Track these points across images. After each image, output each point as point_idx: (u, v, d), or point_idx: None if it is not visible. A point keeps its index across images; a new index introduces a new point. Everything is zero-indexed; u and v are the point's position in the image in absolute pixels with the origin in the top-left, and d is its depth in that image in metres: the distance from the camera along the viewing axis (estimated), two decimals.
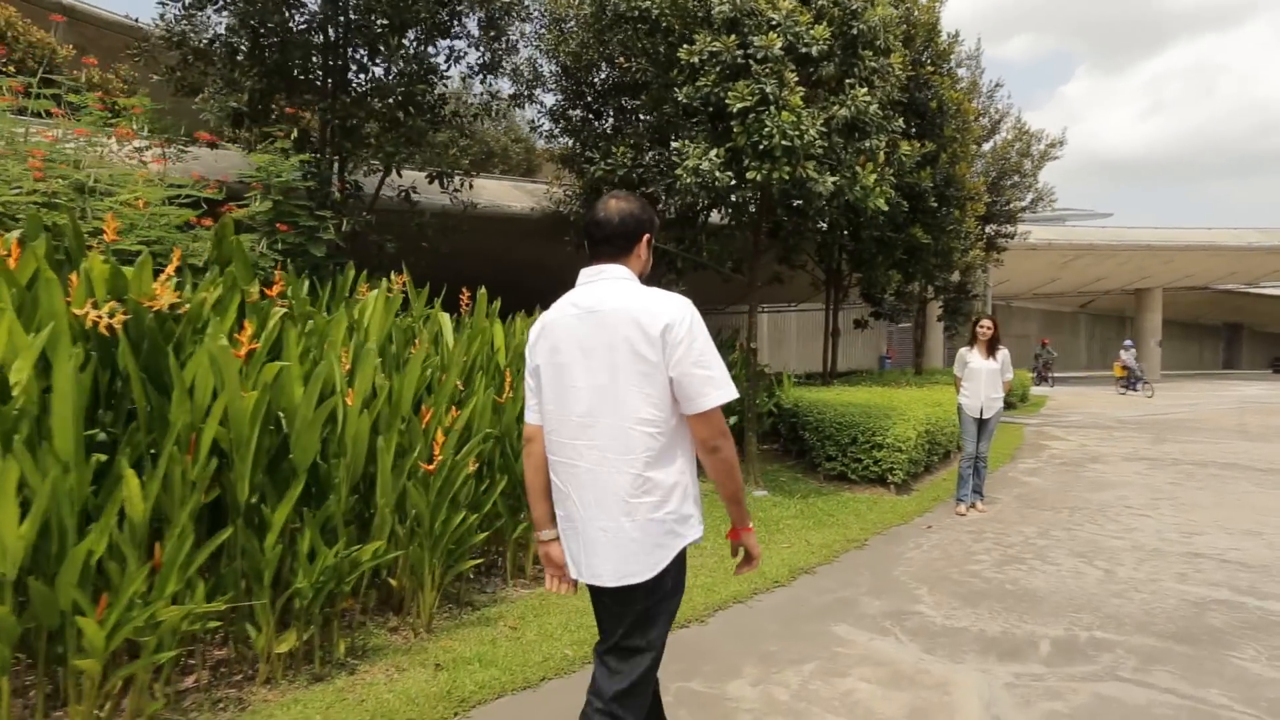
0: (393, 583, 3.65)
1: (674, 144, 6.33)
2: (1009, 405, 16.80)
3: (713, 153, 5.90)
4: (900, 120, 6.97)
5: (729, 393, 1.86)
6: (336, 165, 7.19)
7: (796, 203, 7.01)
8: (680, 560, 1.93)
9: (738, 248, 8.60)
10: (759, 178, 5.86)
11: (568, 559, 2.00)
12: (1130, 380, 20.88)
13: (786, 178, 5.85)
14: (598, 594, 1.97)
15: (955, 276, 16.31)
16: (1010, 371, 6.50)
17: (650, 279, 2.10)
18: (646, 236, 2.03)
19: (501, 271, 13.24)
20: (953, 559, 5.05)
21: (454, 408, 3.89)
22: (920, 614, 4.01)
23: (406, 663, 3.28)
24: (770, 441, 9.58)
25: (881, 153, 6.51)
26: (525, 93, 9.20)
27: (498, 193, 11.46)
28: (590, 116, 9.45)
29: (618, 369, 1.85)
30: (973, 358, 6.51)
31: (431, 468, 3.48)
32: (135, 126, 5.23)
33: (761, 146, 5.81)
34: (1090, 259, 24.45)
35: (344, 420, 3.36)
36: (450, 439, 3.73)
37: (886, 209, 6.54)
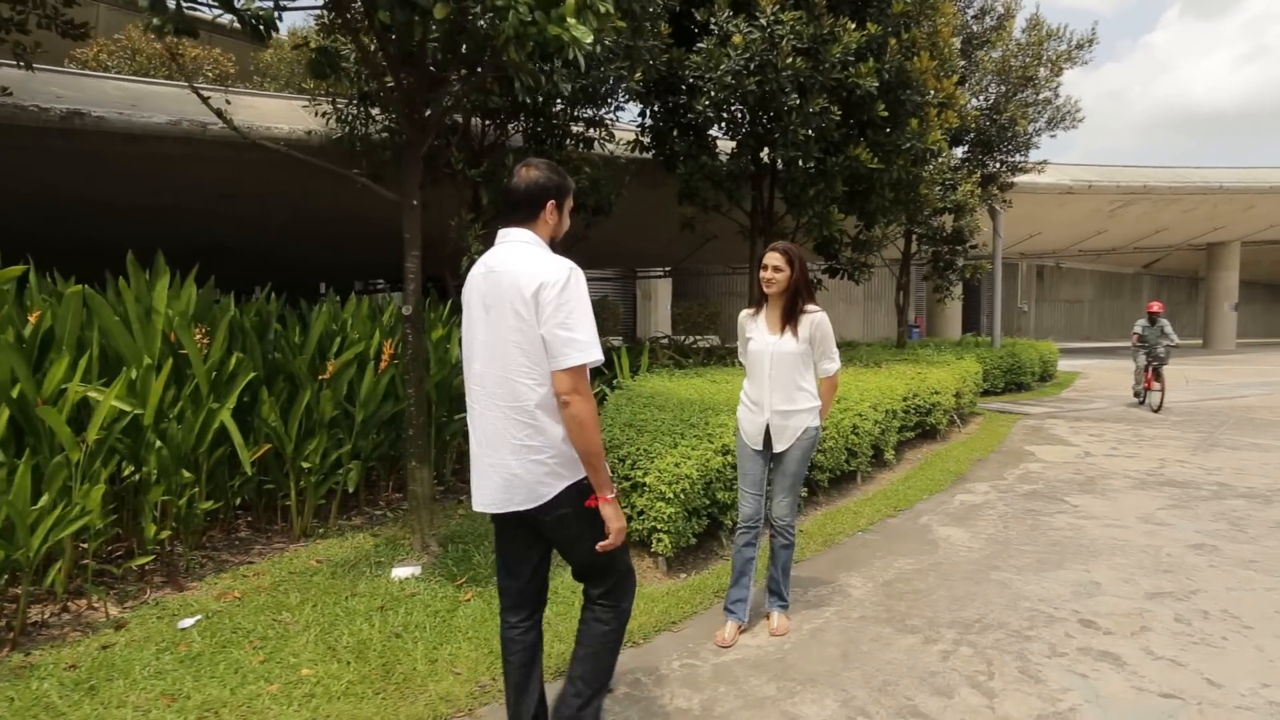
0: None
1: None
2: (1018, 385, 13.08)
3: None
4: None
5: (589, 355, 1.98)
6: None
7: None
8: (579, 492, 2.07)
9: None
10: None
11: (473, 488, 2.19)
12: None
13: None
14: (533, 528, 2.15)
15: (946, 222, 12.63)
16: (833, 360, 3.23)
17: None
18: (551, 202, 2.16)
19: (308, 226, 10.28)
20: None
21: None
22: None
23: None
24: None
25: None
26: None
27: (271, 113, 8.48)
28: None
29: (505, 325, 2.04)
30: (755, 329, 3.28)
31: None
32: None
33: None
34: (1145, 205, 20.12)
35: None
36: None
37: (589, 44, 3.28)
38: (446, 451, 5.74)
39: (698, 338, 17.95)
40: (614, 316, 24.11)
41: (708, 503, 4.14)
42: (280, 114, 8.47)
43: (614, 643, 2.22)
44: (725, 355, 10.71)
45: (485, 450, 2.12)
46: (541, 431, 2.02)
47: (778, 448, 3.17)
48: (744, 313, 3.34)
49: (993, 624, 3.33)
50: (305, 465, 4.45)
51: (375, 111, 7.25)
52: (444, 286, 7.97)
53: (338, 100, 7.47)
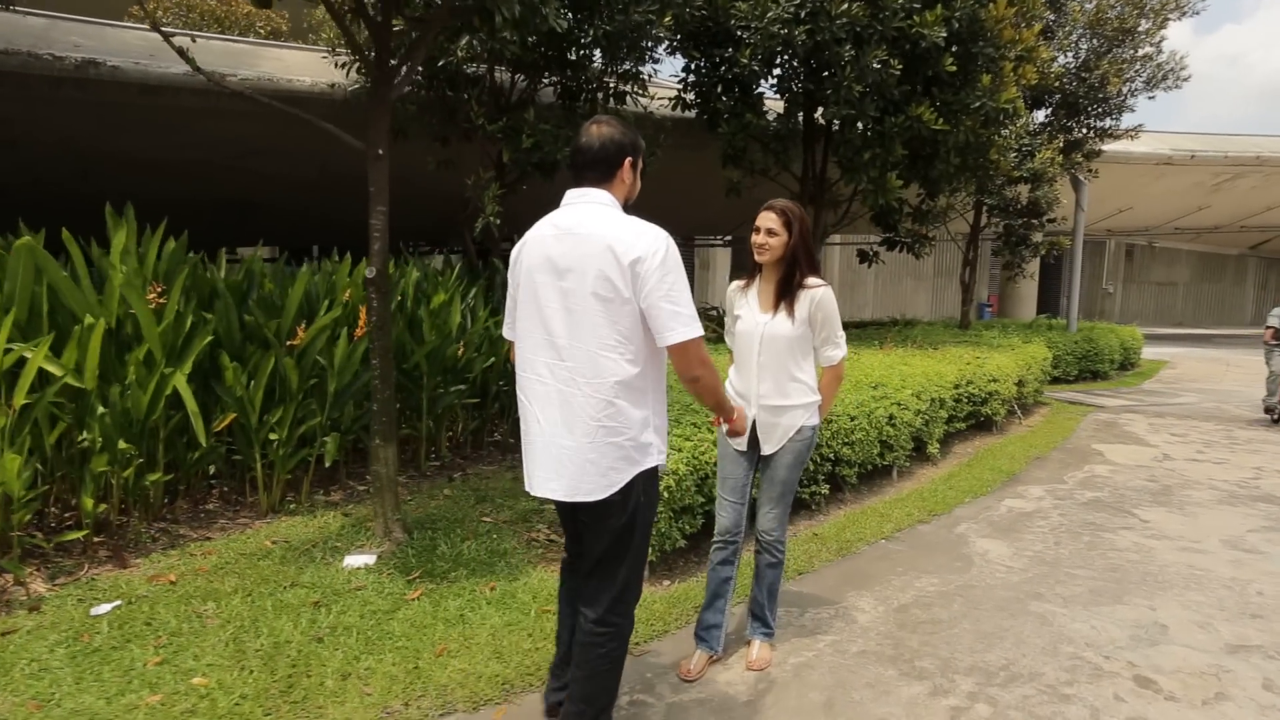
0: None
1: None
2: (1093, 374, 11.98)
3: None
4: None
5: (694, 330, 1.88)
6: None
7: None
8: (640, 483, 1.97)
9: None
10: None
11: (525, 472, 2.06)
12: None
13: None
14: (573, 511, 2.08)
15: (1021, 192, 11.50)
16: (838, 346, 2.64)
17: None
18: (628, 161, 2.02)
19: (337, 183, 9.97)
20: None
21: None
22: None
23: None
24: None
25: None
26: None
27: (296, 65, 8.18)
28: None
29: (589, 295, 1.88)
30: (744, 306, 2.72)
31: None
32: None
33: None
34: (1257, 179, 18.20)
35: None
36: None
37: None
38: (441, 425, 5.37)
39: None
40: None
41: (701, 500, 3.63)
42: (306, 67, 8.16)
43: (614, 662, 2.07)
44: None
45: (557, 430, 1.95)
46: (622, 412, 1.91)
47: (766, 449, 2.63)
48: (733, 285, 2.78)
49: (1022, 673, 2.73)
50: (272, 437, 4.13)
51: (393, 62, 6.84)
52: (466, 249, 7.57)
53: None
